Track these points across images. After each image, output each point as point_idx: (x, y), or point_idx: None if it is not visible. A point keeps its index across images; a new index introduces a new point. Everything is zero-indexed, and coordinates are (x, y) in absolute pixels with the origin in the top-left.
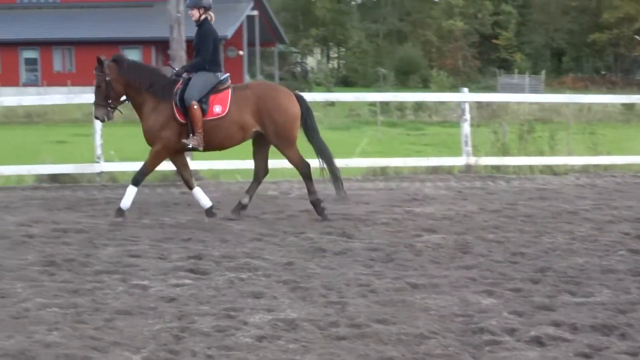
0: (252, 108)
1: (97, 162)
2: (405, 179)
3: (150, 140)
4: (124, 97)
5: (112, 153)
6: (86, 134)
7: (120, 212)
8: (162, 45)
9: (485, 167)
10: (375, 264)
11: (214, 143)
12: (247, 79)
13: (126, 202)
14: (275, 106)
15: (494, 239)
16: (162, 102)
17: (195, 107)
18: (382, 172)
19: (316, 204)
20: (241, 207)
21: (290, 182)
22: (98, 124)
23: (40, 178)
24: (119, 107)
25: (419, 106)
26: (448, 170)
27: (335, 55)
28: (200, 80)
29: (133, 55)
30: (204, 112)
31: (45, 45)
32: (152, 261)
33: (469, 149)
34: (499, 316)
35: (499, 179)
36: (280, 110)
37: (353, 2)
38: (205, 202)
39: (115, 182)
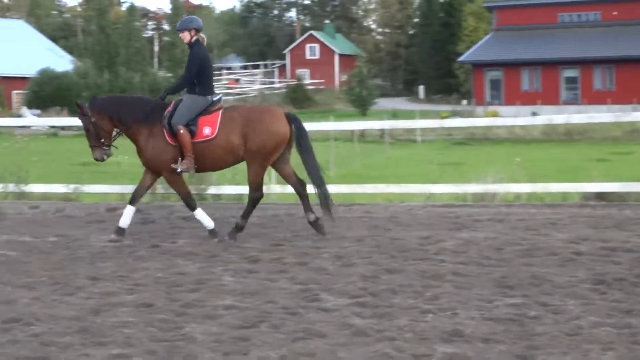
0: (240, 130)
1: None
2: None
3: (155, 169)
4: (115, 133)
5: None
6: (627, 152)
7: (213, 233)
8: None
9: None
10: None
11: (207, 165)
12: None
13: (208, 224)
14: (262, 128)
15: None
16: (153, 128)
17: (182, 131)
18: None
19: (238, 228)
20: (315, 223)
21: None
22: None
23: (586, 196)
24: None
25: None
26: None
27: None
28: (187, 105)
29: None
30: (192, 134)
31: (585, 63)
32: None
33: None
34: None
35: None
36: (266, 132)
37: None
38: (124, 222)
39: None
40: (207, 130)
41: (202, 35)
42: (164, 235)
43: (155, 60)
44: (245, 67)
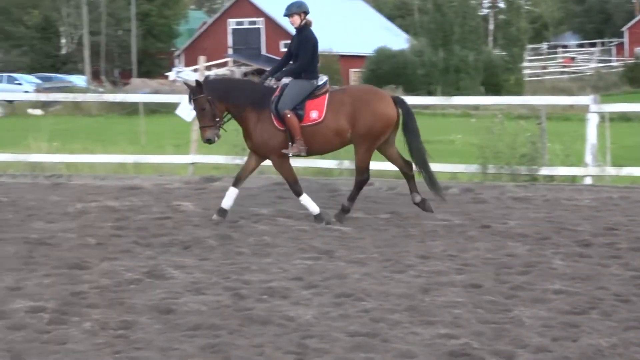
0: (348, 113)
1: None
2: None
3: (263, 153)
4: (227, 115)
5: None
6: None
7: (319, 218)
8: None
9: None
10: None
11: (314, 148)
12: None
13: (313, 209)
14: (369, 111)
15: None
16: (262, 113)
17: (289, 115)
18: None
19: (345, 210)
20: (421, 204)
21: None
22: None
23: None
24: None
25: None
26: None
27: None
28: (294, 89)
29: None
30: (300, 118)
31: None
32: None
33: None
34: None
35: None
36: (374, 114)
37: None
38: (226, 204)
39: None
40: (314, 114)
41: (309, 18)
42: (495, 215)
43: (490, 39)
44: (581, 45)
